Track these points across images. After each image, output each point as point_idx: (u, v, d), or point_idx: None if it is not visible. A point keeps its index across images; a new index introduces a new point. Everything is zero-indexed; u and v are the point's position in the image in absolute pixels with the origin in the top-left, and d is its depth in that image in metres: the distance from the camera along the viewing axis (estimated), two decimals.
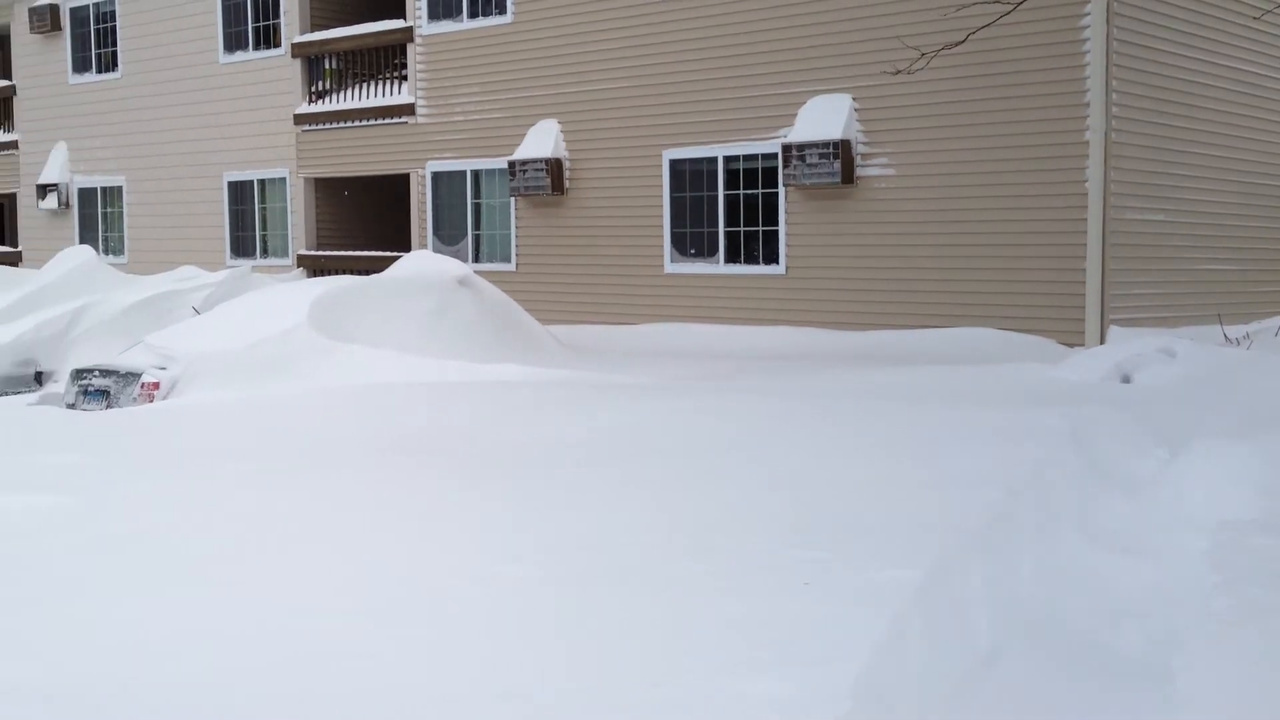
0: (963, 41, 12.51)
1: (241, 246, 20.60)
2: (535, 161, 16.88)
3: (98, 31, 22.31)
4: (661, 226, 16.20)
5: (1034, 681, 4.62)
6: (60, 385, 13.08)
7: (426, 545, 5.95)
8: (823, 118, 14.75)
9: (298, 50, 19.59)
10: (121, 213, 22.16)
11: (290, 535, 6.34)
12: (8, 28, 24.16)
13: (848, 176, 14.52)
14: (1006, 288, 13.63)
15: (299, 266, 19.51)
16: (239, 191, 20.56)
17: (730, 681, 3.95)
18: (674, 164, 16.10)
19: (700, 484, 7.04)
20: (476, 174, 17.96)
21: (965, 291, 13.87)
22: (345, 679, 4.14)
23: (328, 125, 19.39)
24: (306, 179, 19.80)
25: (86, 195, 22.66)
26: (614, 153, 16.62)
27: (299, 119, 19.62)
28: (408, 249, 18.00)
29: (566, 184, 16.96)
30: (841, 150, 14.47)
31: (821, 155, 14.59)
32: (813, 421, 8.96)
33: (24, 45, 23.64)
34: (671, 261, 16.19)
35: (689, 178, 15.99)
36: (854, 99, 14.57)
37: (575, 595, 5.03)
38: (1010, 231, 13.58)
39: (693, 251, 16.07)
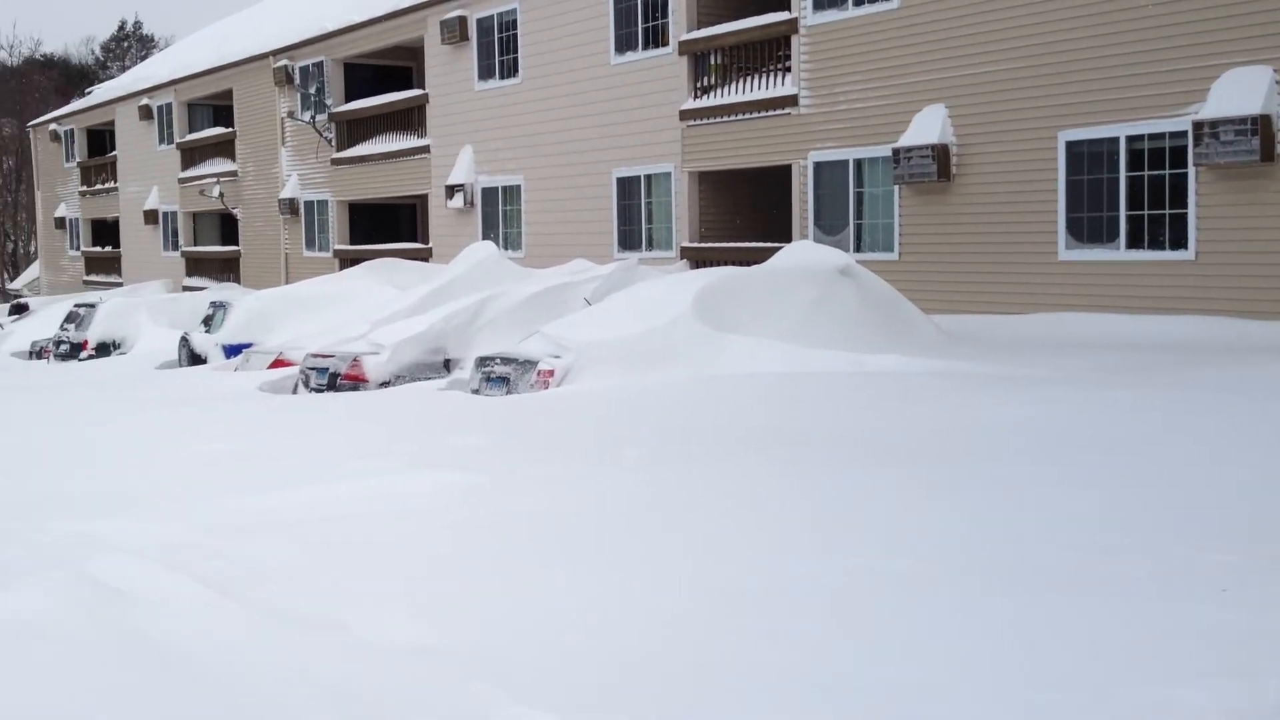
0: None
1: (628, 240, 21.28)
2: (921, 148, 16.45)
3: (501, 40, 23.67)
4: (1055, 211, 15.39)
5: None
6: (466, 372, 13.90)
7: (817, 534, 5.84)
8: (1239, 92, 13.54)
9: (684, 48, 20.01)
10: (520, 210, 23.43)
11: (672, 520, 6.41)
12: (421, 40, 26.05)
13: (1267, 154, 13.25)
14: None
15: (682, 258, 19.94)
16: (626, 187, 21.25)
17: (1160, 690, 3.63)
18: (1070, 146, 15.24)
19: (1094, 484, 6.57)
20: (859, 163, 17.72)
21: None
22: (760, 660, 4.10)
23: (711, 120, 19.70)
24: (690, 173, 20.19)
25: (489, 194, 24.12)
26: (1004, 136, 15.93)
27: (684, 114, 20.03)
28: (788, 240, 17.99)
29: (953, 170, 16.42)
30: (1261, 126, 13.23)
31: (1238, 132, 13.39)
32: (1232, 419, 8.19)
33: (435, 56, 25.43)
34: (1066, 248, 15.34)
35: (1086, 160, 15.09)
36: (1276, 71, 13.29)
37: (975, 592, 4.78)
38: None
39: (1089, 237, 15.17)
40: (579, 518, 6.53)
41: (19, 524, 7.10)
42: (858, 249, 17.37)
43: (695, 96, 20.07)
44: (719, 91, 19.75)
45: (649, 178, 20.91)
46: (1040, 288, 15.50)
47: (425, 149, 25.85)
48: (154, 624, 5.03)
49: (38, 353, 25.36)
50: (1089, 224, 15.14)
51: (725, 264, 17.96)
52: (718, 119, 19.63)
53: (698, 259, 19.61)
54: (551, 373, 12.37)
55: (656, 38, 20.64)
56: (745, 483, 7.07)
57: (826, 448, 7.99)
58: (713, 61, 19.92)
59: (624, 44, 21.16)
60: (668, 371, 12.09)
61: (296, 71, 29.47)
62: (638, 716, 3.87)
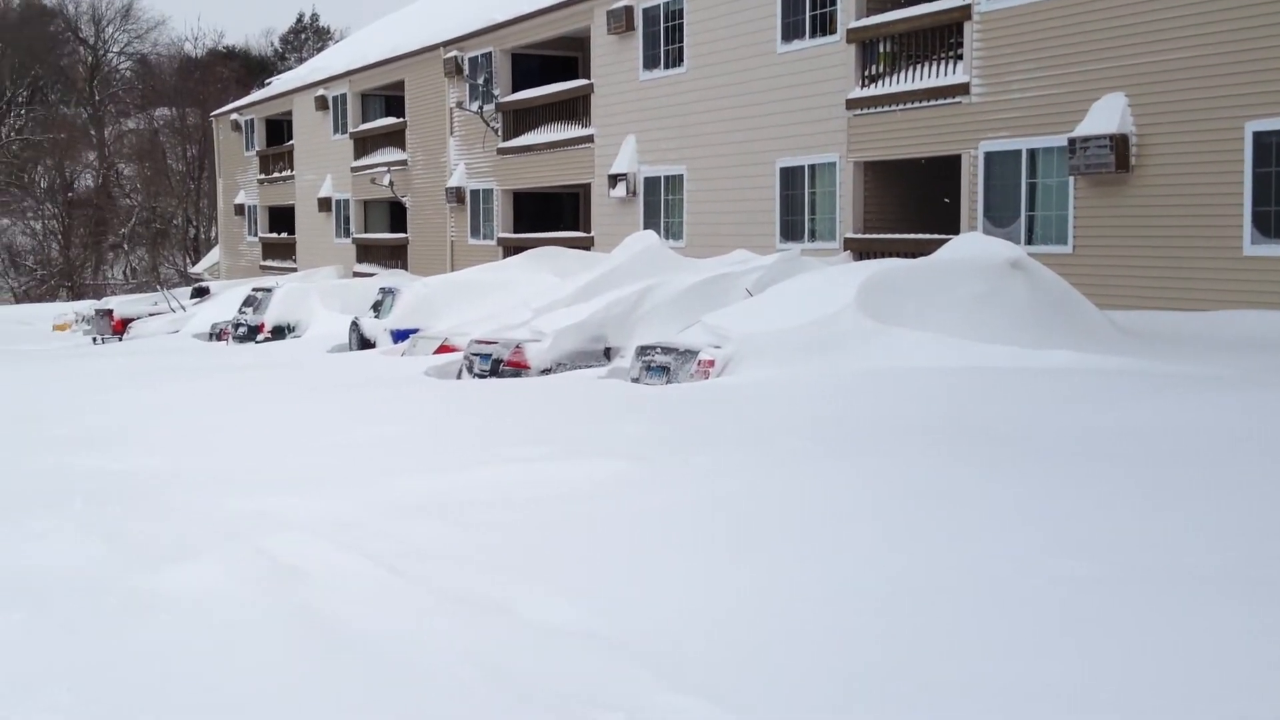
0: None
1: (791, 230, 21.09)
2: (1098, 138, 15.87)
3: (666, 29, 23.69)
4: (1240, 205, 14.68)
5: None
6: (626, 360, 13.95)
7: (978, 535, 5.67)
8: None
9: (852, 35, 19.71)
10: (681, 200, 23.44)
11: (840, 513, 6.29)
12: (587, 30, 26.25)
13: None
14: None
15: (846, 249, 19.66)
16: (789, 177, 21.05)
17: None
18: (1258, 136, 14.51)
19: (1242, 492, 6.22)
20: (1032, 153, 17.20)
21: None
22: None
23: (879, 109, 19.36)
24: (856, 163, 19.90)
25: (651, 184, 24.18)
26: (1187, 126, 15.26)
27: (850, 103, 19.74)
28: (956, 231, 17.57)
29: (1132, 161, 15.80)
30: None
31: None
32: None
33: (601, 46, 25.60)
34: (1251, 243, 14.63)
35: (1275, 151, 14.36)
36: None
37: (1148, 599, 4.56)
38: None
39: (1277, 232, 14.42)
40: (740, 509, 6.47)
41: (197, 500, 7.37)
42: (1029, 241, 16.87)
43: (862, 85, 19.75)
44: (887, 80, 19.40)
45: (813, 168, 20.68)
46: (1223, 284, 14.82)
47: (589, 138, 26.05)
48: (326, 600, 5.15)
49: (217, 334, 26.34)
50: (1277, 218, 14.41)
51: (890, 256, 17.65)
52: (885, 108, 19.29)
53: (862, 250, 19.32)
54: (712, 363, 12.32)
55: (824, 25, 20.37)
56: (914, 478, 6.91)
57: (998, 445, 7.76)
58: (881, 49, 19.57)
59: (791, 32, 20.94)
60: (829, 364, 11.92)
61: (466, 62, 30.00)
62: (799, 713, 3.80)
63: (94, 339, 31.14)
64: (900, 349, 11.98)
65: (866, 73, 19.78)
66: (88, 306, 36.28)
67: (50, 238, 62.40)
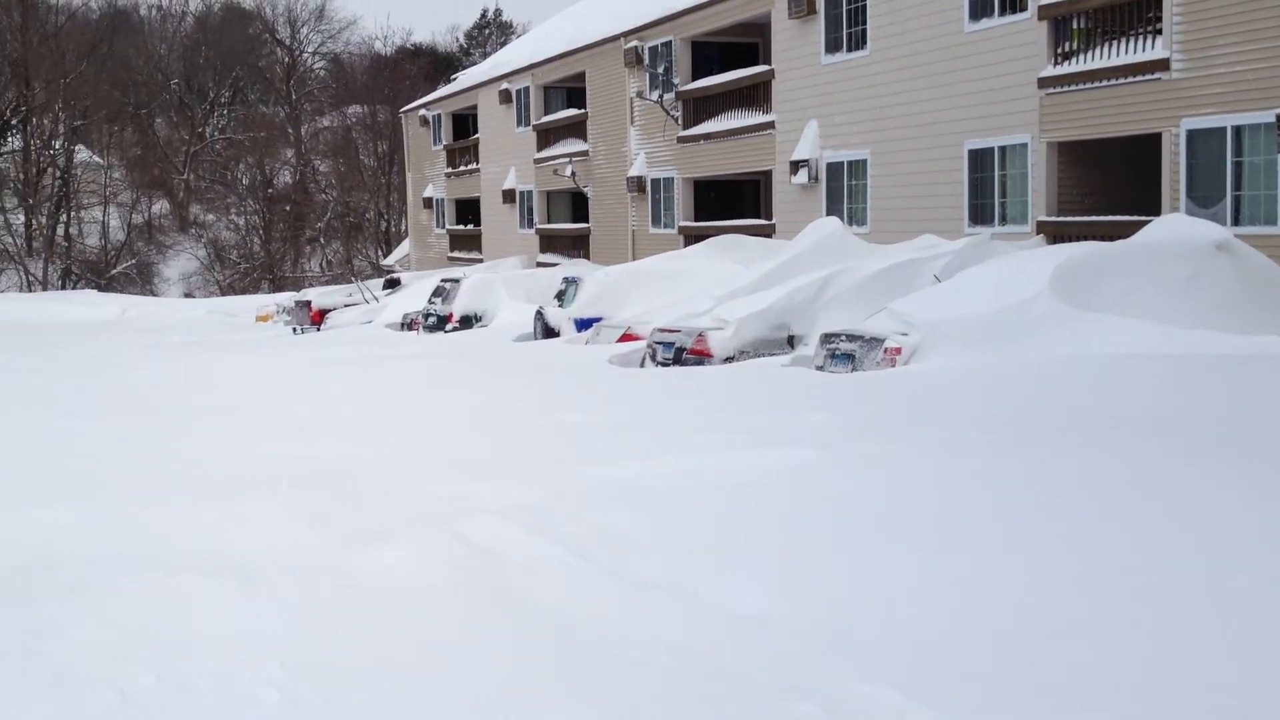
0: None
1: (980, 214, 20.55)
2: None
3: (849, 11, 23.33)
4: None
5: None
6: (810, 348, 13.83)
7: (1186, 529, 5.43)
8: None
9: (1044, 12, 19.06)
10: (865, 185, 23.08)
11: (1036, 504, 6.11)
12: (768, 16, 26.06)
13: None
14: None
15: (1038, 233, 19.04)
16: (978, 159, 20.51)
17: None
18: None
19: None
20: (1238, 130, 16.36)
21: None
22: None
23: (1072, 87, 18.69)
24: (1049, 143, 19.26)
25: (834, 169, 23.89)
26: None
27: (1043, 82, 19.11)
28: (1156, 213, 16.84)
29: None
30: None
31: None
32: None
33: (782, 30, 25.37)
34: None
35: None
36: None
37: None
38: None
39: None
40: (931, 498, 6.34)
41: (394, 485, 7.60)
42: (1236, 223, 16.05)
43: (1055, 63, 19.10)
44: (1081, 57, 18.72)
45: (1003, 149, 20.09)
46: None
47: (770, 125, 25.88)
48: (520, 582, 5.26)
49: (408, 324, 27.10)
50: None
51: (1086, 239, 17.04)
52: (1079, 86, 18.61)
53: (1055, 234, 18.69)
54: (899, 350, 12.13)
55: (1014, 3, 19.76)
56: (1117, 472, 6.66)
57: (1202, 436, 7.42)
58: (1075, 26, 18.88)
59: (979, 10, 20.38)
60: (1021, 351, 11.59)
61: (646, 52, 30.15)
62: (984, 705, 3.70)
63: (294, 329, 32.41)
64: (1097, 335, 11.57)
65: (1059, 50, 19.11)
66: (287, 298, 37.78)
67: (252, 232, 65.19)
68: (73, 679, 4.00)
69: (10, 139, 58.47)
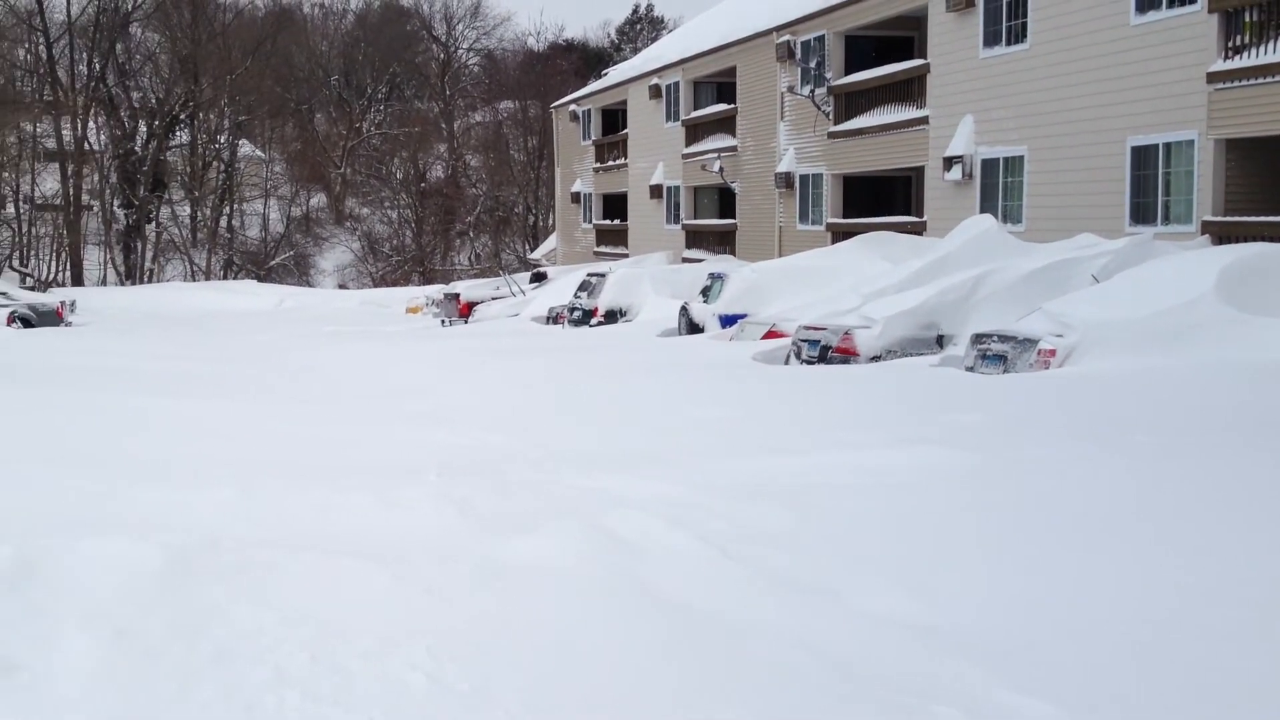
0: None
1: (1141, 213, 19.85)
2: None
3: (1009, 4, 22.76)
4: None
5: None
6: (959, 349, 13.55)
7: None
8: None
9: (1215, 5, 18.32)
10: (1021, 182, 22.50)
11: (1196, 510, 5.87)
12: (924, 9, 25.61)
13: None
14: None
15: (1203, 233, 18.32)
16: (1141, 156, 19.82)
17: None
18: None
19: None
20: None
21: None
22: None
23: (1244, 82, 17.92)
24: (1217, 140, 18.51)
25: (988, 166, 23.35)
26: None
27: (1212, 77, 18.37)
28: None
29: None
30: None
31: None
32: None
33: (939, 24, 24.89)
34: None
35: None
36: None
37: None
38: None
39: None
40: (1082, 503, 6.14)
41: (538, 475, 7.66)
42: None
43: (1225, 57, 18.35)
44: (1253, 51, 17.94)
45: (1168, 146, 19.38)
46: None
47: (923, 120, 25.42)
48: (660, 576, 5.25)
49: (554, 318, 27.39)
50: None
51: (1256, 240, 16.34)
52: (1251, 81, 17.84)
53: (1222, 234, 17.96)
54: (1053, 352, 11.80)
55: None
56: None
57: None
58: (1247, 19, 18.11)
59: (1146, 3, 19.69)
60: (1184, 355, 11.16)
61: (798, 46, 29.92)
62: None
63: (442, 321, 33.04)
64: (1266, 340, 11.09)
65: (1230, 44, 18.36)
66: (437, 291, 38.56)
67: (404, 226, 66.70)
68: (234, 657, 4.13)
69: (179, 134, 60.84)
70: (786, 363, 15.24)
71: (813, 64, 29.22)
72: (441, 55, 74.75)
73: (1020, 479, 6.88)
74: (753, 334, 17.89)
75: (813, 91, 29.05)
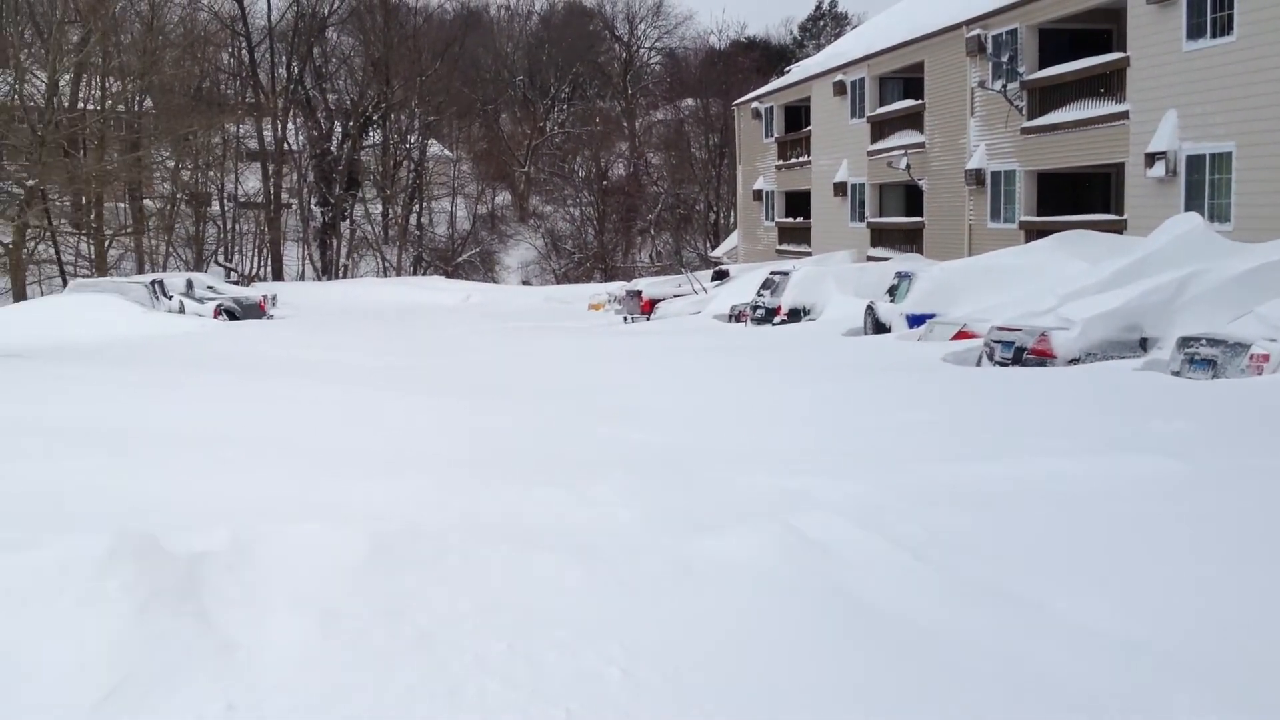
0: None
1: None
2: None
3: None
4: None
5: None
6: (1165, 352, 12.99)
7: None
8: None
9: None
10: (1229, 179, 21.43)
11: None
12: (1123, 2, 24.66)
13: None
14: None
15: None
16: None
17: None
18: None
19: None
20: None
21: None
22: None
23: None
24: None
25: (1193, 162, 22.33)
26: None
27: None
28: None
29: None
30: None
31: None
32: None
33: (1139, 16, 23.93)
34: None
35: None
36: None
37: None
38: None
39: None
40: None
41: (726, 474, 7.62)
42: None
43: None
44: None
45: None
46: None
47: (1123, 115, 24.48)
48: (852, 579, 5.15)
49: (735, 316, 27.34)
50: None
51: None
52: None
53: None
54: (1266, 357, 11.20)
55: None
56: None
57: None
58: None
59: None
60: None
61: (989, 40, 29.18)
62: None
63: (624, 318, 33.33)
64: None
65: None
66: (619, 288, 38.92)
67: (586, 223, 67.58)
68: (434, 642, 4.20)
69: (371, 134, 62.90)
70: (978, 364, 14.85)
71: (1004, 58, 28.46)
72: (623, 54, 75.45)
73: (1236, 490, 6.53)
74: (942, 334, 17.51)
75: (1004, 86, 28.30)
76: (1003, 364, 14.45)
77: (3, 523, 5.67)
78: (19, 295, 36.09)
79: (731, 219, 59.62)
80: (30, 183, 36.96)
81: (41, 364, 15.46)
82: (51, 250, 43.00)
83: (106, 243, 43.60)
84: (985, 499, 6.60)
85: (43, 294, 37.98)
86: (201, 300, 32.34)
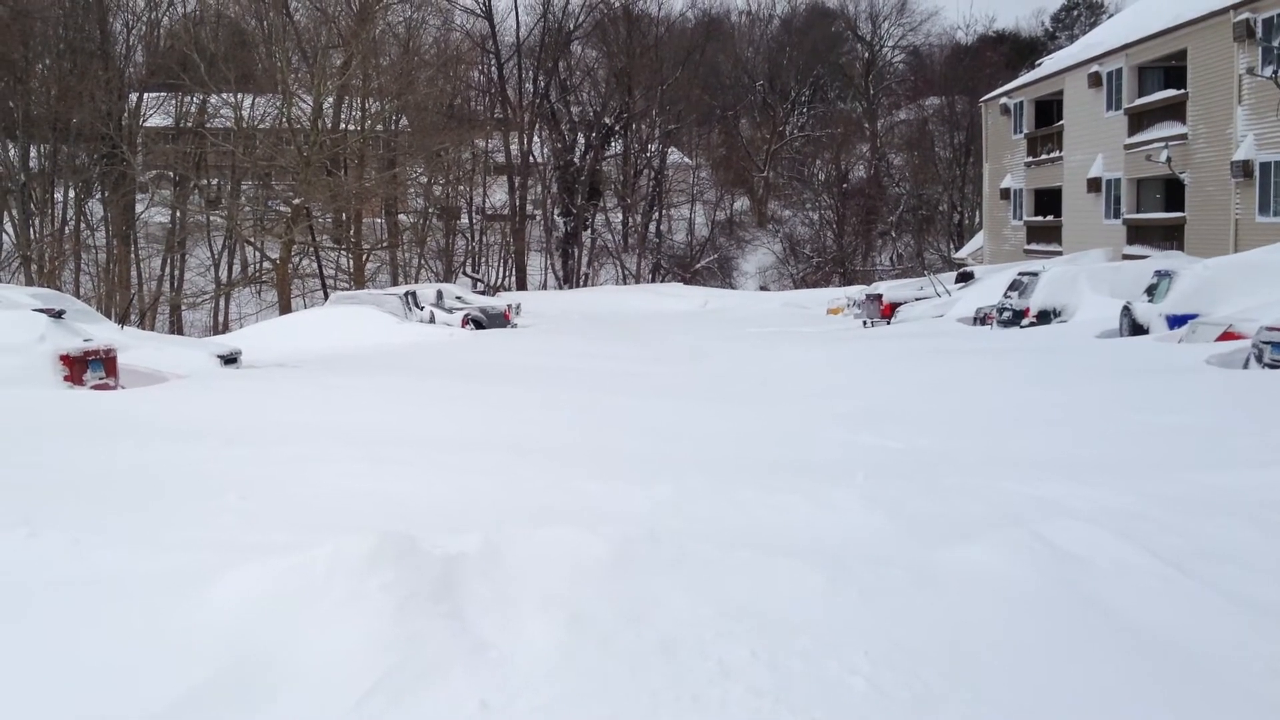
0: None
1: None
2: None
3: None
4: None
5: None
6: None
7: None
8: None
9: None
10: None
11: None
12: None
13: None
14: None
15: None
16: None
17: None
18: None
19: None
20: None
21: None
22: None
23: None
24: None
25: None
26: None
27: None
28: None
29: None
30: None
31: None
32: None
33: None
34: None
35: None
36: None
37: None
38: None
39: None
40: None
41: (971, 480, 7.43)
42: None
43: None
44: None
45: None
46: None
47: None
48: (1109, 592, 4.95)
49: (980, 319, 26.60)
50: None
51: None
52: None
53: None
54: None
55: None
56: None
57: None
58: None
59: None
60: None
61: (1259, 24, 27.49)
62: None
63: (864, 322, 32.89)
64: None
65: None
66: (858, 292, 38.43)
67: (825, 227, 66.99)
68: (678, 647, 4.24)
69: (613, 144, 64.08)
70: (1245, 366, 14.00)
71: (1275, 43, 26.78)
72: (866, 54, 74.48)
73: None
74: (1205, 335, 16.58)
75: (1276, 72, 26.62)
76: (1273, 366, 13.57)
77: (279, 526, 6.05)
78: (285, 308, 38.40)
79: (976, 219, 58.07)
80: (296, 201, 39.29)
81: (311, 372, 16.42)
82: (314, 265, 45.54)
83: (365, 256, 45.88)
84: (1258, 508, 6.25)
85: (306, 306, 40.22)
86: (450, 310, 33.63)
